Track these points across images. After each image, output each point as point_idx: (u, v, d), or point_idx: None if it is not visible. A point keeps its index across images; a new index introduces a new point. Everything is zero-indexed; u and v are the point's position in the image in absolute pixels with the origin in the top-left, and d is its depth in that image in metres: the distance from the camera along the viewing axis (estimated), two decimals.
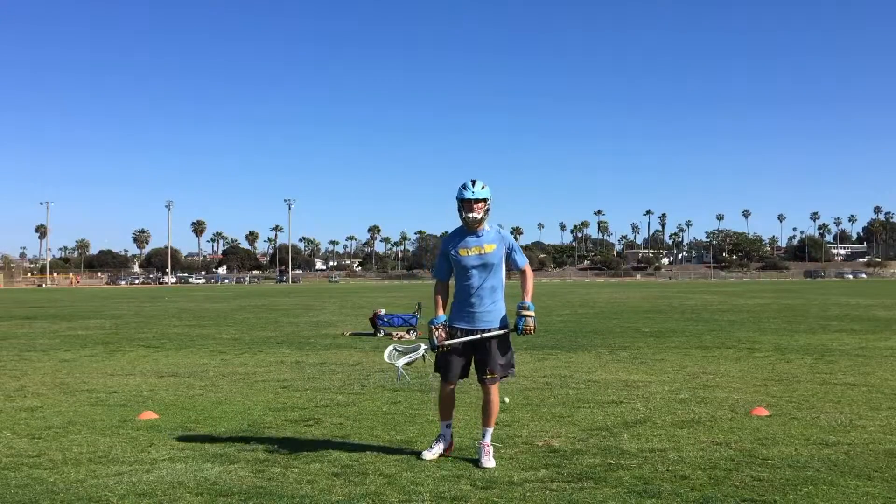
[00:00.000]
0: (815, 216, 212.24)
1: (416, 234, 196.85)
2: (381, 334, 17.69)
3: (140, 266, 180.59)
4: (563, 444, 6.43)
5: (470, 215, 5.81)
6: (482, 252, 5.84)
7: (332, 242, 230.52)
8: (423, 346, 6.26)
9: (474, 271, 5.86)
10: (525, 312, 5.86)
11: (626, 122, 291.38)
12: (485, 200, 5.83)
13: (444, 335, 5.86)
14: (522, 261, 6.03)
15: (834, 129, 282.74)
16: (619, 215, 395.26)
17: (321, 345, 15.73)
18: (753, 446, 6.30)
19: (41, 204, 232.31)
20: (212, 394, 9.32)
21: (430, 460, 5.87)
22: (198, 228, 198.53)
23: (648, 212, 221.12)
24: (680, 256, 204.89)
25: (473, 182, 5.82)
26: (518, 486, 5.23)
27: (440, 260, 6.06)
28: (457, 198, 5.86)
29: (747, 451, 6.12)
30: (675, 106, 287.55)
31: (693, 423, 7.22)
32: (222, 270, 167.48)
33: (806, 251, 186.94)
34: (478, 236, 5.89)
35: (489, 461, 5.74)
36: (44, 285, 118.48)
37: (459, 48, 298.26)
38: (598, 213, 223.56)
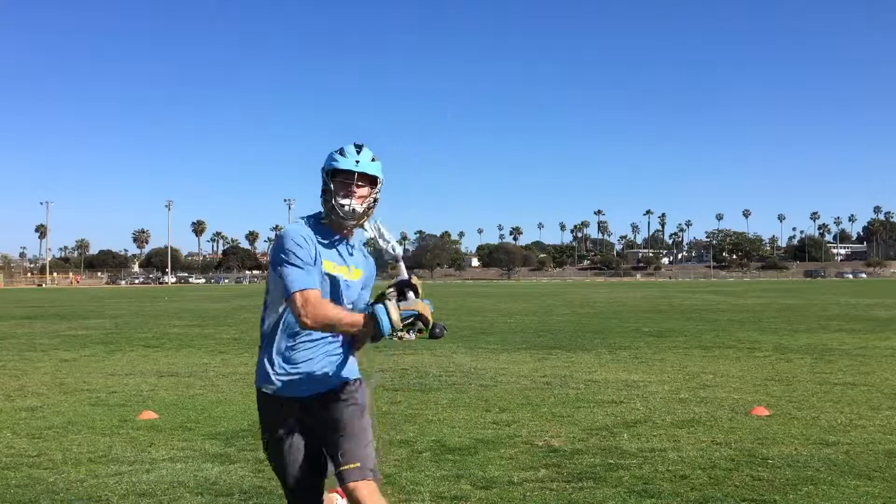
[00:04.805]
0: (815, 216, 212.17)
1: (415, 233, 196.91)
2: None
3: (140, 266, 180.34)
4: (563, 443, 6.44)
5: (348, 202, 3.22)
6: (349, 277, 3.34)
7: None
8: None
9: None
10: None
11: (627, 122, 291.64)
12: (375, 182, 3.32)
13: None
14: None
15: (834, 129, 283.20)
16: (619, 215, 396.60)
17: None
18: (753, 446, 6.30)
19: (41, 204, 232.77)
20: (212, 394, 9.32)
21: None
22: (198, 228, 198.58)
23: (648, 212, 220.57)
24: (680, 256, 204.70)
25: (359, 148, 3.28)
26: (518, 486, 5.23)
27: (305, 264, 3.15)
28: (325, 168, 3.27)
29: (747, 451, 6.12)
30: (675, 106, 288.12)
31: (693, 423, 7.22)
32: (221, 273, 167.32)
33: (806, 251, 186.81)
34: (349, 250, 3.36)
35: None
36: (44, 285, 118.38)
37: (459, 46, 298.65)
38: (598, 213, 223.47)
